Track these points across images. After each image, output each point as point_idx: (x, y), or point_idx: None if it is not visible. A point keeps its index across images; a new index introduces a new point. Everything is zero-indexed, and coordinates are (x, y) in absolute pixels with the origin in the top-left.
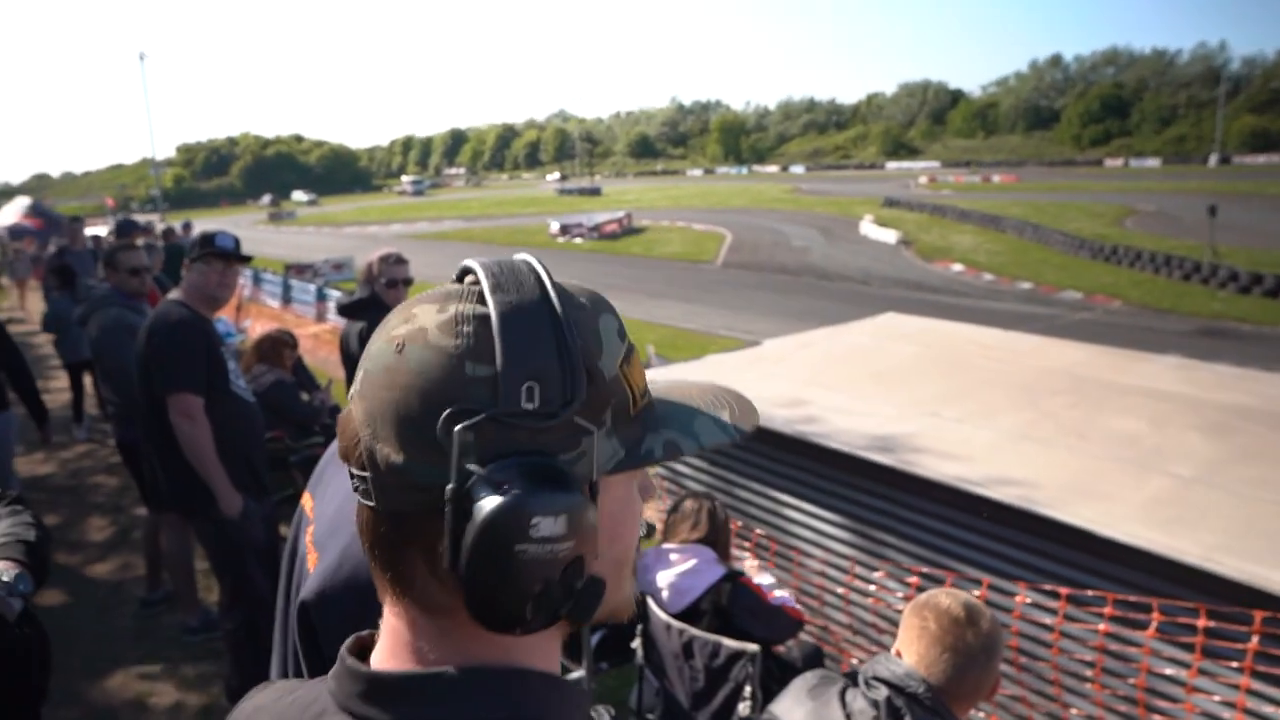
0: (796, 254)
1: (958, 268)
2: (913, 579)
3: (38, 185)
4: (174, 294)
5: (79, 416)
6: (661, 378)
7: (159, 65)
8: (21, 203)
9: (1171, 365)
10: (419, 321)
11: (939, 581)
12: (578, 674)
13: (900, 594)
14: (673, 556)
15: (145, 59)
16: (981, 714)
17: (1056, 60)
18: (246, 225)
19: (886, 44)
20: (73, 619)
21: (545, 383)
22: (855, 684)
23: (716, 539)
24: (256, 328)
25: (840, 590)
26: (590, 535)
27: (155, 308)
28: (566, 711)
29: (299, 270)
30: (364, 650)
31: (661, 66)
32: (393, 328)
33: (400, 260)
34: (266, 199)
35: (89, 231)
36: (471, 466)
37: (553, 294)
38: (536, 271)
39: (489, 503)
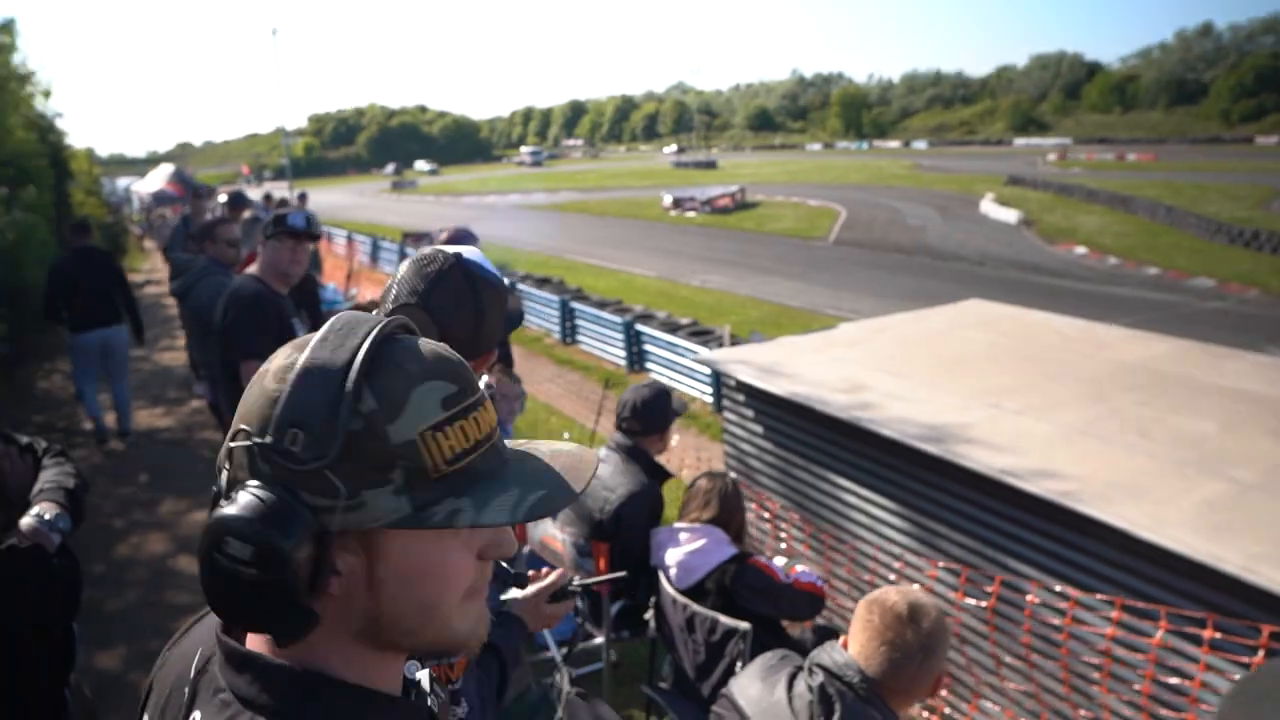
0: (911, 233)
1: (1081, 250)
2: (963, 571)
3: (181, 153)
4: (251, 269)
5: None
6: (523, 444)
7: (292, 39)
8: (165, 170)
9: (1260, 364)
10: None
11: (989, 576)
12: (598, 640)
13: (951, 585)
14: (682, 535)
15: (277, 34)
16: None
17: (1207, 29)
18: (371, 193)
19: (1019, 13)
20: (167, 563)
21: (307, 432)
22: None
23: (730, 519)
24: (366, 294)
25: (892, 578)
26: (283, 569)
27: (232, 283)
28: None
29: (416, 239)
30: None
31: (783, 38)
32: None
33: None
34: (390, 168)
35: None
36: (226, 481)
37: (360, 358)
38: (371, 333)
39: (217, 510)
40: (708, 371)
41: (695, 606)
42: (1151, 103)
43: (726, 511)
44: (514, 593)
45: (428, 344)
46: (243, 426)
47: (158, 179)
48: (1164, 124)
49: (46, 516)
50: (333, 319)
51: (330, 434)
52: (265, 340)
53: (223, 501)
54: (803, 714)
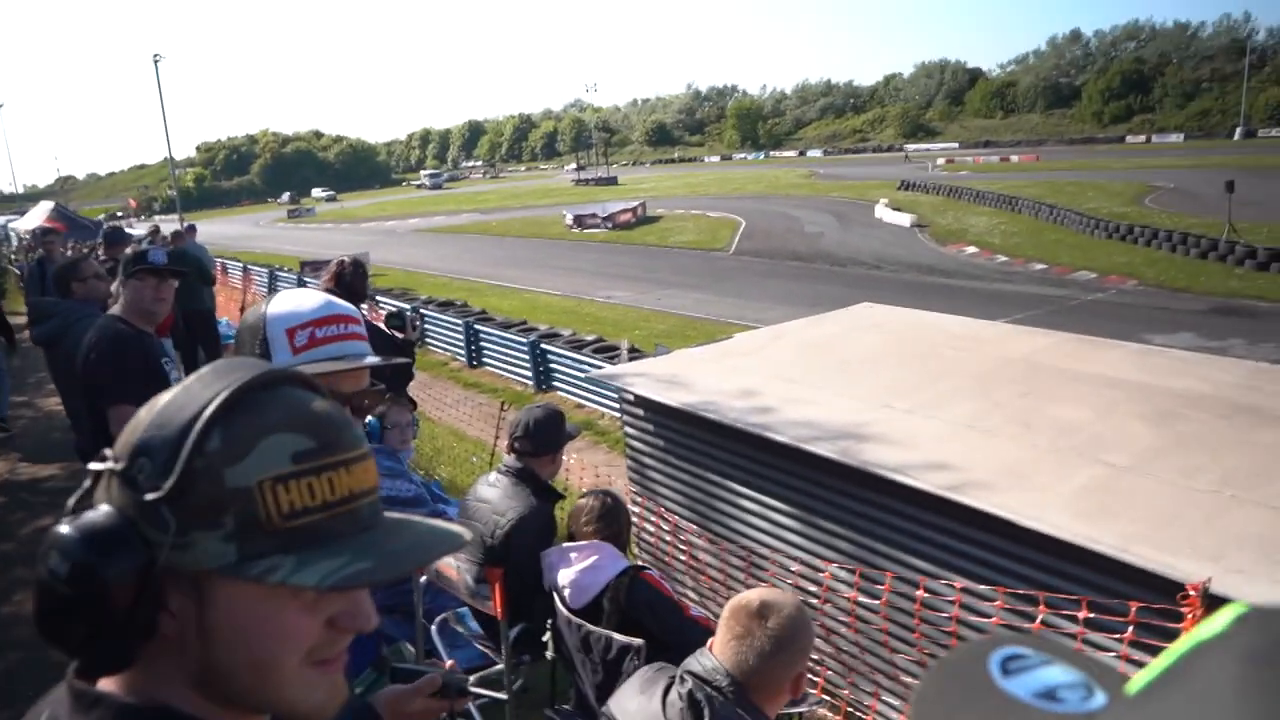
0: (810, 240)
1: (971, 250)
2: (856, 569)
3: (63, 188)
4: (113, 309)
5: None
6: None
7: (177, 66)
8: (46, 206)
9: (1133, 352)
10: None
11: (881, 572)
12: (498, 666)
13: (847, 585)
14: (573, 555)
15: (161, 60)
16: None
17: (1076, 36)
18: (266, 223)
19: (903, 24)
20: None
21: (152, 462)
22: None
23: (618, 533)
24: None
25: (789, 581)
26: (96, 593)
27: (95, 324)
28: None
29: (314, 267)
30: None
31: (677, 53)
32: None
33: None
34: (285, 196)
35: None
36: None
37: (221, 399)
38: (245, 378)
39: (54, 526)
40: (617, 407)
41: (589, 626)
42: (1030, 106)
43: (613, 525)
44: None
45: (308, 400)
46: (106, 450)
47: (38, 215)
48: (1043, 126)
49: None
50: (218, 361)
51: (170, 467)
52: (131, 383)
53: (64, 518)
54: (684, 717)
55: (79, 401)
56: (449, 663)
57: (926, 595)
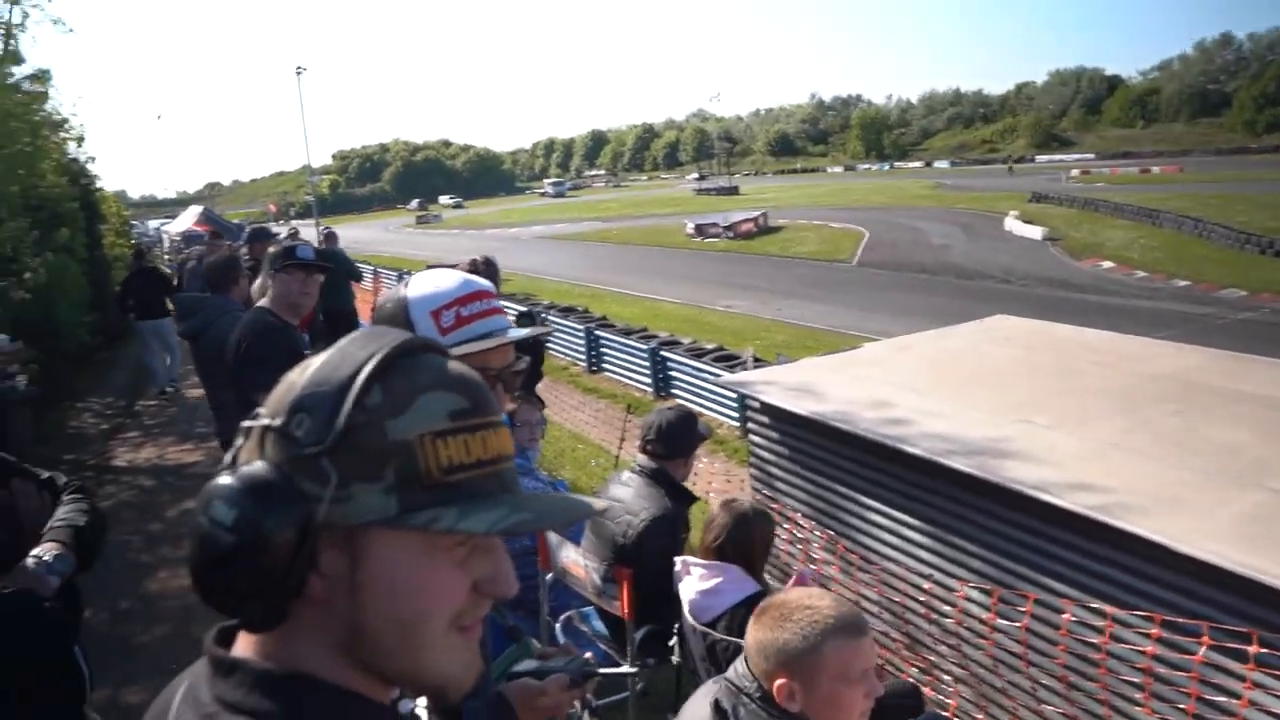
0: (935, 252)
1: (1108, 265)
2: (994, 591)
3: (210, 193)
4: (262, 302)
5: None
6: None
7: (317, 78)
8: (194, 210)
9: None
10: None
11: (1022, 595)
12: (625, 668)
13: (983, 605)
14: (696, 570)
15: (302, 73)
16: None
17: (1227, 40)
18: (395, 228)
19: (1037, 30)
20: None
21: (312, 418)
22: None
23: (748, 551)
24: None
25: (922, 599)
26: (261, 544)
27: (244, 316)
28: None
29: None
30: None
31: (801, 62)
32: None
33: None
34: (414, 203)
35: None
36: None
37: (379, 358)
38: (395, 340)
39: (214, 478)
40: (734, 396)
41: (715, 634)
42: (1174, 115)
43: (743, 544)
44: (526, 663)
45: (455, 364)
46: (259, 409)
47: (187, 219)
48: (1187, 136)
49: (45, 558)
50: (364, 328)
51: (332, 421)
52: (279, 372)
53: (224, 472)
54: None
55: (223, 392)
56: (586, 654)
57: (1072, 620)
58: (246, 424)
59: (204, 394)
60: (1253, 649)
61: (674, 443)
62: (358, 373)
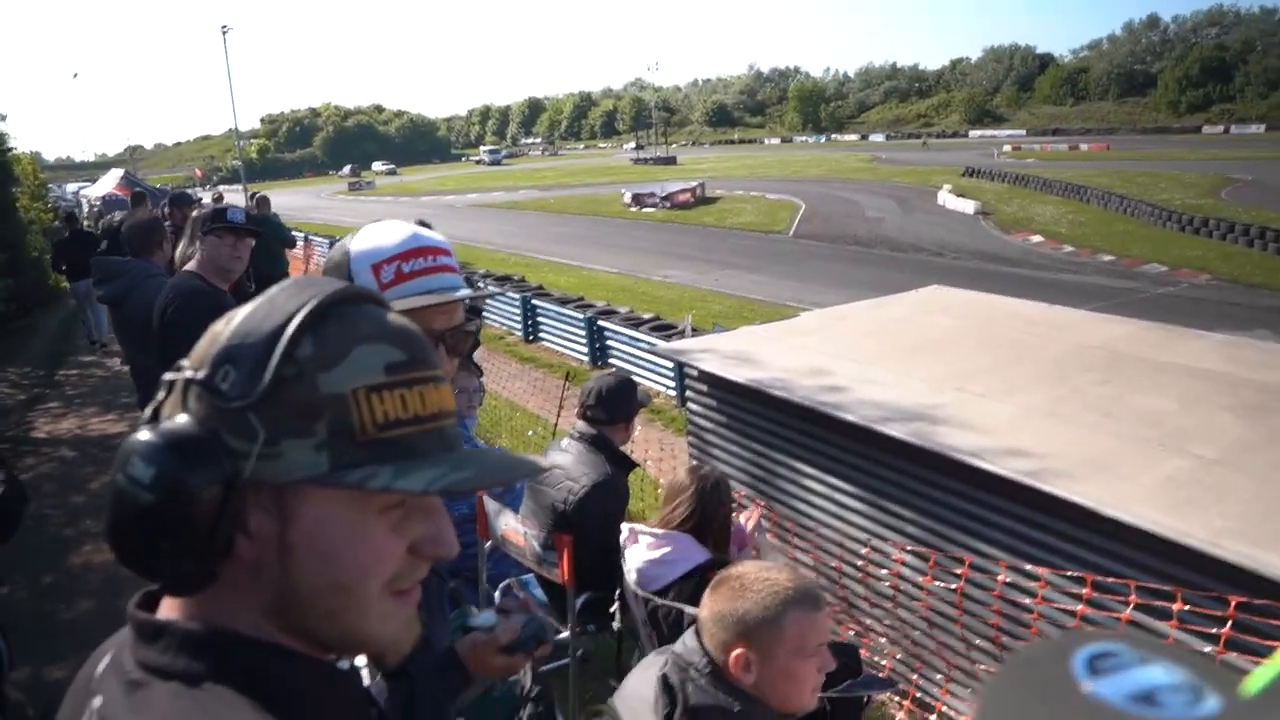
0: (870, 224)
1: (1037, 239)
2: (930, 555)
3: (131, 157)
4: (189, 266)
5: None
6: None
7: (244, 38)
8: (115, 174)
9: (1217, 342)
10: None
11: (959, 562)
12: (563, 635)
13: (919, 568)
14: (645, 539)
15: (228, 32)
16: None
17: (1154, 21)
18: (327, 195)
19: (973, 7)
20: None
21: (238, 369)
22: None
23: (709, 522)
24: None
25: (859, 563)
26: (182, 503)
27: (170, 280)
28: (264, 672)
29: None
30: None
31: (739, 33)
32: None
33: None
34: (347, 169)
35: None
36: (151, 412)
37: (311, 307)
38: (330, 290)
39: (132, 434)
40: (671, 366)
41: (656, 600)
42: (1102, 94)
43: (704, 514)
44: (482, 617)
45: (394, 316)
46: (182, 362)
47: (107, 183)
48: (1115, 115)
49: None
50: (296, 277)
51: (260, 373)
52: None
53: (143, 427)
54: (658, 705)
55: (145, 359)
56: (532, 611)
57: (1006, 582)
58: (169, 377)
59: (126, 362)
60: (1176, 606)
61: (614, 408)
62: (288, 322)
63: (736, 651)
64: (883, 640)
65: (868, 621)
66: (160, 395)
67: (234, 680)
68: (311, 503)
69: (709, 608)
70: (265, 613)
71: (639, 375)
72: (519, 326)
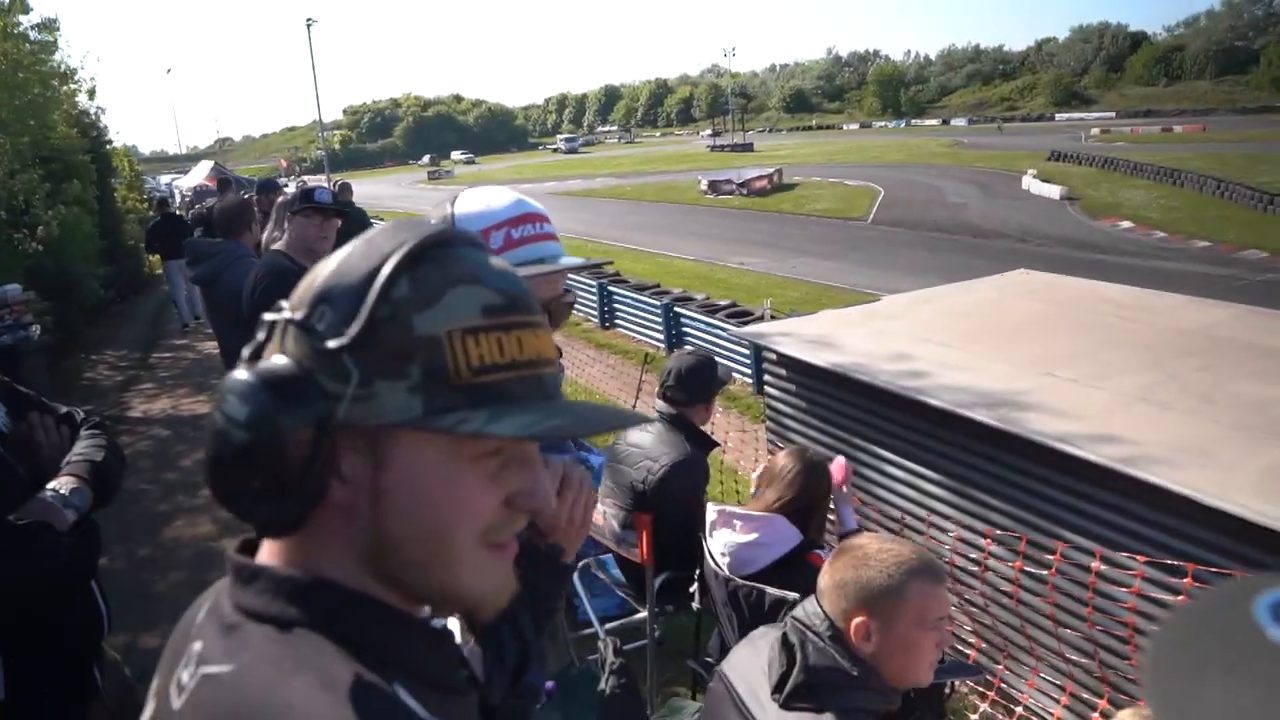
0: (951, 210)
1: (1126, 225)
2: (1020, 544)
3: (221, 149)
4: (278, 245)
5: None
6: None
7: (327, 31)
8: (205, 166)
9: None
10: None
11: (1049, 550)
12: (641, 614)
13: (1007, 558)
14: (737, 522)
15: (312, 25)
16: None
17: None
18: (408, 184)
19: None
20: (212, 544)
21: (334, 309)
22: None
23: (807, 507)
24: None
25: (946, 549)
26: (274, 441)
27: (260, 260)
28: (357, 624)
29: None
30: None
31: (817, 17)
32: None
33: None
34: (426, 159)
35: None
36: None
37: (408, 248)
38: (430, 231)
39: (231, 372)
40: (747, 353)
41: (738, 580)
42: (1199, 73)
43: (809, 497)
44: None
45: (496, 260)
46: (281, 303)
47: (198, 174)
48: (1212, 94)
49: (62, 491)
50: (395, 220)
51: (354, 313)
52: None
53: (242, 366)
54: (774, 665)
55: (235, 339)
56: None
57: (1100, 572)
58: (268, 317)
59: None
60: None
61: (694, 388)
62: (384, 262)
63: (858, 620)
64: (968, 629)
65: (951, 610)
66: (260, 336)
67: (325, 628)
68: (405, 447)
69: (830, 576)
70: (360, 561)
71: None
72: (595, 313)
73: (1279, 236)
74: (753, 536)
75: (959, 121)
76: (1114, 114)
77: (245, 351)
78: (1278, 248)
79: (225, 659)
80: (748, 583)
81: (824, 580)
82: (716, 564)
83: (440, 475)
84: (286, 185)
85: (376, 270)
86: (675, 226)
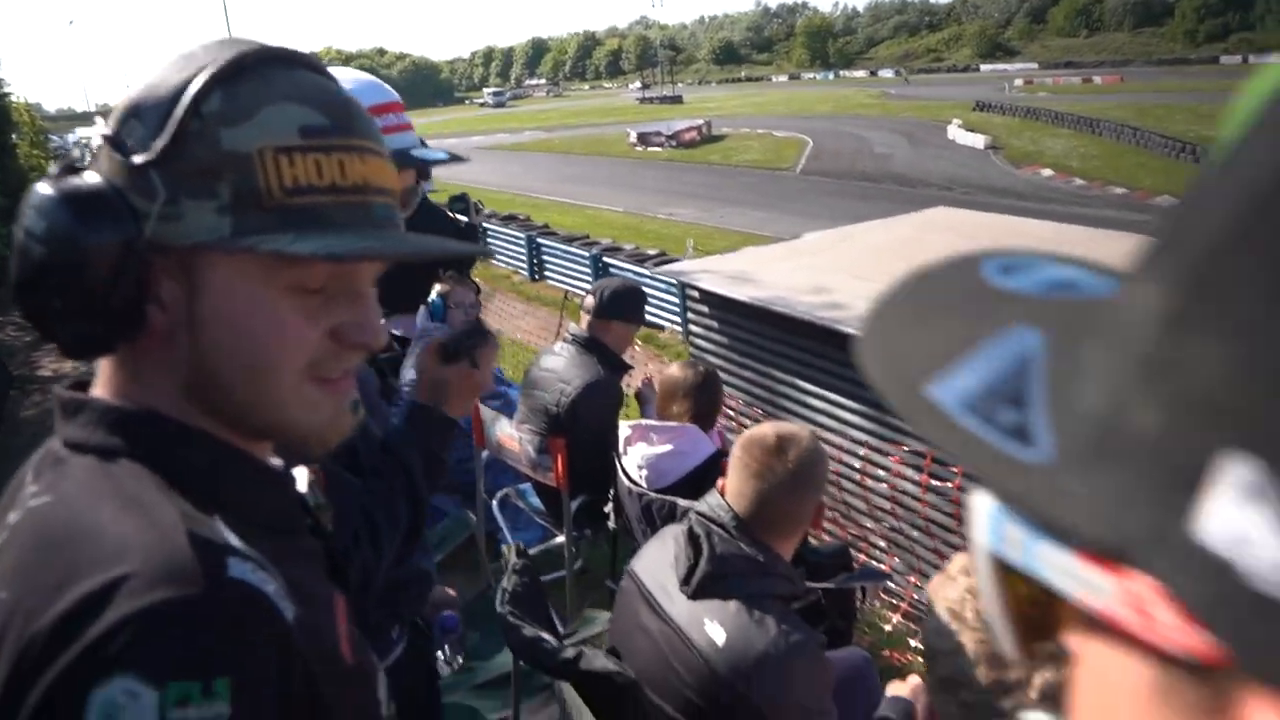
0: (878, 160)
1: (1047, 173)
2: (925, 461)
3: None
4: None
5: None
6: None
7: None
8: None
9: None
10: None
11: (943, 464)
12: (558, 540)
13: (915, 477)
14: (654, 435)
15: None
16: None
17: None
18: None
19: None
20: None
21: (143, 123)
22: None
23: (710, 411)
24: None
25: (857, 465)
26: (74, 261)
27: None
28: (170, 450)
29: None
30: None
31: None
32: None
33: None
34: None
35: None
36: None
37: (226, 62)
38: (260, 44)
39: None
40: (677, 302)
41: (651, 493)
42: (1117, 25)
43: (707, 402)
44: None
45: (326, 82)
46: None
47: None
48: (1129, 46)
49: None
50: (229, 37)
51: (161, 127)
52: None
53: (45, 180)
54: (680, 559)
55: None
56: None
57: None
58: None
59: None
60: None
61: (615, 307)
62: (197, 74)
63: (818, 505)
64: (880, 545)
65: (868, 525)
66: (74, 154)
67: (148, 459)
68: (218, 271)
69: (780, 474)
70: (186, 394)
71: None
72: (524, 266)
73: None
74: (669, 447)
75: (886, 73)
76: (1037, 65)
77: (52, 167)
78: None
79: (47, 492)
80: (661, 496)
81: (748, 475)
82: (632, 480)
83: (254, 303)
84: None
85: (188, 82)
86: (604, 179)
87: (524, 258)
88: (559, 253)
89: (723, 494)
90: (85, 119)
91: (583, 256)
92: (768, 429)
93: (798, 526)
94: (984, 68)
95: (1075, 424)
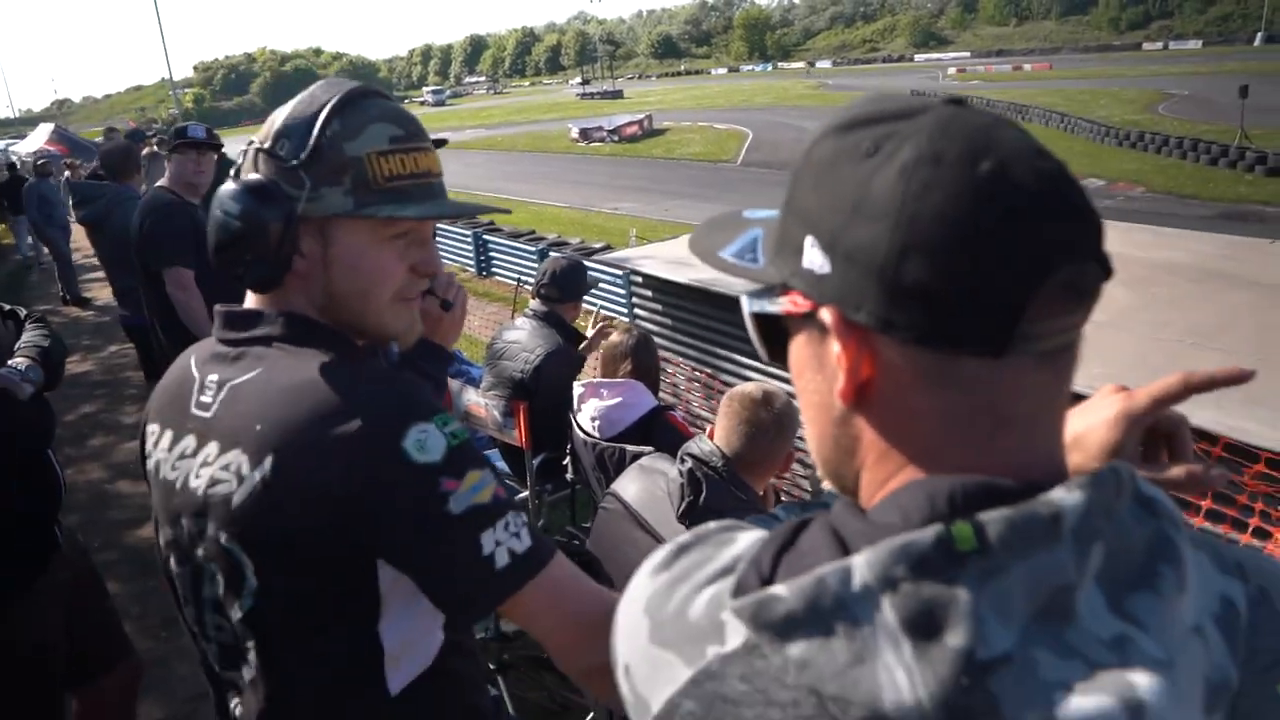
0: None
1: None
2: None
3: (60, 111)
4: (160, 182)
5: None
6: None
7: None
8: (45, 129)
9: (1120, 230)
10: None
11: None
12: (523, 494)
13: None
14: (604, 390)
15: None
16: None
17: None
18: None
19: None
20: (104, 486)
21: (291, 140)
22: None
23: (649, 370)
24: None
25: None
26: (258, 230)
27: (144, 196)
28: (319, 341)
29: None
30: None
31: None
32: None
33: None
34: None
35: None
36: (234, 173)
37: (337, 99)
38: (355, 84)
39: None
40: (623, 292)
41: (603, 442)
42: (1045, 13)
43: (645, 361)
44: None
45: (397, 106)
46: (253, 139)
47: (38, 139)
48: (1057, 34)
49: (20, 367)
50: (327, 80)
51: (305, 142)
52: (183, 246)
53: (229, 181)
54: (675, 497)
55: (127, 276)
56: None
57: None
58: (244, 148)
59: (88, 310)
60: None
61: (566, 286)
62: (323, 109)
63: (789, 452)
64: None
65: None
66: (239, 161)
67: (309, 342)
68: (343, 231)
69: (761, 418)
70: (317, 308)
71: (590, 304)
72: (471, 262)
73: (1115, 165)
74: (619, 399)
75: (824, 64)
76: (969, 54)
77: (232, 171)
78: (1114, 175)
79: (247, 371)
80: (612, 444)
81: (738, 423)
82: (586, 433)
83: (366, 250)
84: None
85: (318, 113)
86: (548, 175)
87: (471, 254)
88: (506, 249)
89: (711, 438)
90: (9, 125)
91: (529, 251)
92: (752, 387)
93: (772, 466)
94: (918, 57)
95: (769, 249)
